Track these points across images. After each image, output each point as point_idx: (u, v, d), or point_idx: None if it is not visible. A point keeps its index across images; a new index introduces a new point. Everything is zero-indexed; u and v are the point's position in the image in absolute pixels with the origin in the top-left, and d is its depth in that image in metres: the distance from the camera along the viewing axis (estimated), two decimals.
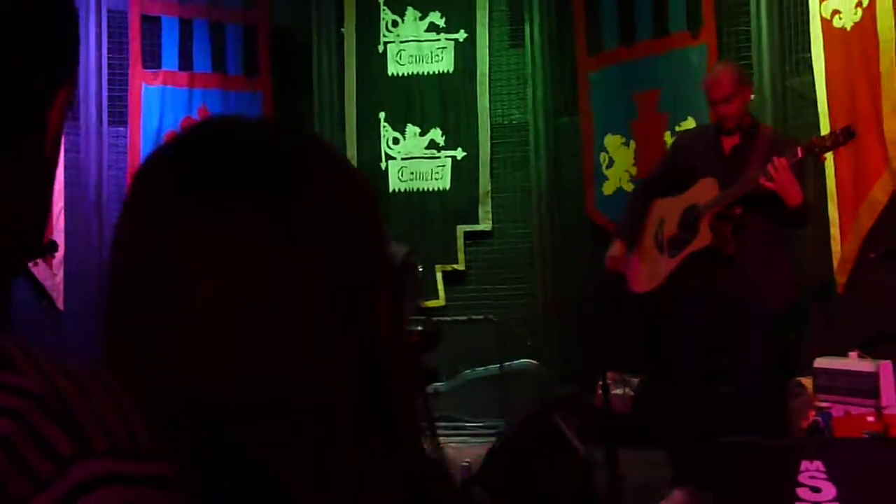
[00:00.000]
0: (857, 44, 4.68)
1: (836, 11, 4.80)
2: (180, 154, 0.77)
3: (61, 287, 5.92)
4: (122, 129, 6.24)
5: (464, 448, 5.19)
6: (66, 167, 5.93)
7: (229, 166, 0.74)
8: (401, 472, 0.74)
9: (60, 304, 5.91)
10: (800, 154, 4.04)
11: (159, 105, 6.26)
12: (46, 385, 0.54)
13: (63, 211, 5.90)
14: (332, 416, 0.70)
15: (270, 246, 0.71)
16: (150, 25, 6.30)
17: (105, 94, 6.19)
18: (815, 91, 4.98)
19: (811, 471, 3.30)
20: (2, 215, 0.62)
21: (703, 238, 4.30)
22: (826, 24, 4.87)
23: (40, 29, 0.62)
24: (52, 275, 5.87)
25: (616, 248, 4.62)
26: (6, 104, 0.61)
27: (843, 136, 4.00)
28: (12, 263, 0.65)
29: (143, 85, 6.24)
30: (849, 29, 4.74)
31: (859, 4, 4.65)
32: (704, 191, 4.34)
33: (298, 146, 0.78)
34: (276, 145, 0.77)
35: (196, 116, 6.34)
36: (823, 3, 4.88)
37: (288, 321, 0.71)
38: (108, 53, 6.21)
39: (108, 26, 6.21)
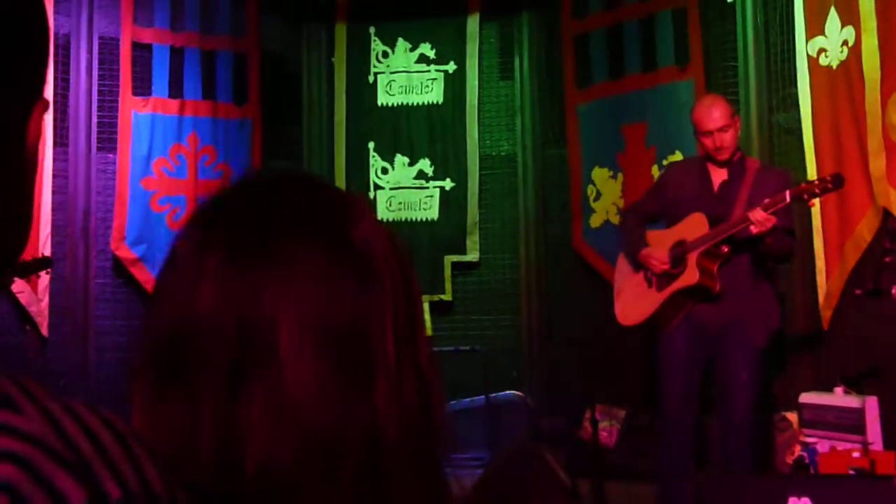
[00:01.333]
0: (842, 82, 4.74)
1: (822, 50, 4.87)
2: (230, 210, 0.77)
3: (46, 313, 5.87)
4: (111, 155, 6.23)
5: (449, 480, 5.16)
6: (53, 192, 5.90)
7: (284, 215, 0.75)
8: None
9: (45, 331, 5.87)
10: (788, 199, 4.07)
11: (149, 132, 6.25)
12: (49, 426, 0.52)
13: (50, 236, 5.87)
14: (389, 467, 0.72)
15: (339, 286, 0.72)
16: (142, 53, 6.30)
17: (94, 119, 6.18)
18: (801, 127, 5.03)
19: None
20: None
21: (690, 276, 4.32)
22: (812, 61, 4.93)
23: (19, 42, 0.62)
24: (37, 300, 5.82)
25: (653, 252, 4.53)
26: None
27: (833, 183, 4.02)
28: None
29: (133, 112, 6.23)
30: (835, 67, 4.81)
31: (845, 44, 4.71)
32: (693, 226, 4.36)
33: (342, 194, 0.81)
34: (323, 192, 0.79)
35: (185, 143, 6.34)
36: (810, 42, 4.94)
37: (364, 360, 0.72)
38: (99, 80, 6.21)
39: (100, 52, 6.21)
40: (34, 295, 5.79)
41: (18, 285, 5.46)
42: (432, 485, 0.75)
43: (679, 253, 4.39)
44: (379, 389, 0.71)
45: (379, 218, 0.83)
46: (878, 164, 4.48)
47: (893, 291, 4.02)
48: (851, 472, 3.93)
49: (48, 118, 5.85)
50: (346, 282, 0.73)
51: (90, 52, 6.16)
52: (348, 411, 0.70)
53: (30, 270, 5.25)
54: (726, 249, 4.26)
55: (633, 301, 4.63)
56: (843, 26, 4.73)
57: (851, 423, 4.24)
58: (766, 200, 4.07)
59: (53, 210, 5.90)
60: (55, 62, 5.90)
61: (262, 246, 0.73)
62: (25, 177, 0.65)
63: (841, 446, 4.21)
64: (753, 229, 4.06)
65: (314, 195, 0.79)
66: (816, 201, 4.44)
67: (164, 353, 0.71)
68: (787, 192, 4.09)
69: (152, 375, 0.71)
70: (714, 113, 4.32)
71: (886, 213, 4.47)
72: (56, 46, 5.93)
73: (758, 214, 4.02)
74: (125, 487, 0.51)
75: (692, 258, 4.32)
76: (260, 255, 0.72)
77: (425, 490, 0.74)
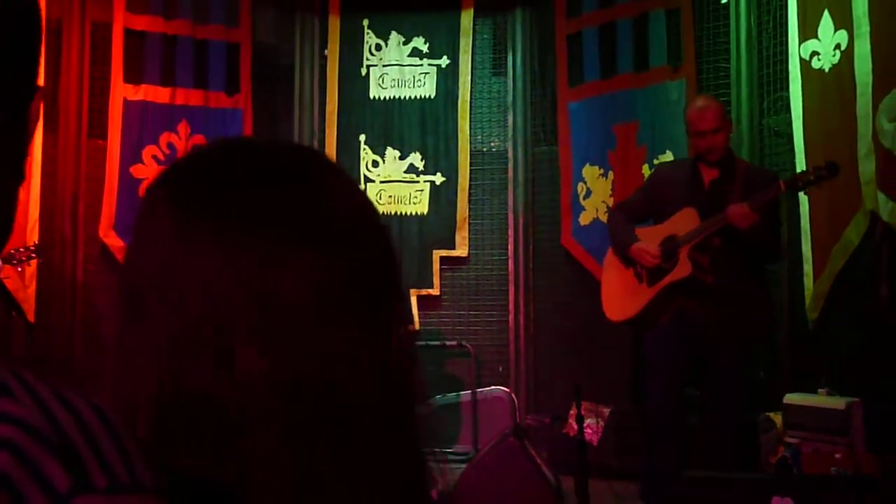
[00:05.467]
0: (834, 86, 4.76)
1: (814, 53, 4.88)
2: (197, 174, 0.76)
3: (33, 299, 5.86)
4: (101, 141, 6.21)
5: (434, 473, 5.17)
6: (43, 177, 5.88)
7: (259, 184, 0.74)
8: (405, 478, 0.75)
9: (31, 317, 5.85)
10: (783, 188, 4.11)
11: (140, 118, 6.24)
12: (42, 415, 0.52)
13: (38, 222, 5.85)
14: (352, 425, 0.71)
15: (305, 256, 0.71)
16: (134, 40, 6.28)
17: (85, 106, 6.16)
18: (791, 130, 5.05)
19: None
20: None
21: (683, 269, 4.35)
22: (805, 64, 4.95)
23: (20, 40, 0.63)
24: (24, 286, 5.80)
25: (645, 246, 4.54)
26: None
27: (828, 170, 4.07)
28: None
29: (124, 98, 6.21)
30: (827, 71, 4.82)
31: (838, 47, 4.73)
32: (684, 221, 4.39)
33: (321, 161, 0.80)
34: (306, 160, 0.79)
35: (176, 132, 6.33)
36: (803, 45, 4.95)
37: (323, 328, 0.71)
38: (91, 66, 6.19)
39: (91, 38, 6.19)
40: (21, 281, 5.77)
41: (5, 271, 5.44)
42: (404, 458, 0.75)
43: (670, 247, 4.41)
44: (335, 353, 0.71)
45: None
46: (867, 167, 4.50)
47: (881, 291, 4.05)
48: (834, 472, 3.96)
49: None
50: (310, 242, 0.72)
51: (82, 37, 6.14)
52: (296, 368, 0.69)
53: (19, 260, 5.23)
54: (717, 242, 4.29)
55: (624, 296, 4.64)
56: (836, 30, 4.74)
57: (835, 424, 4.27)
58: (761, 192, 4.10)
59: (42, 196, 5.88)
60: (46, 47, 5.87)
61: (216, 200, 0.73)
62: (24, 160, 0.66)
63: (824, 448, 4.23)
64: (732, 221, 4.10)
65: (286, 155, 0.78)
66: (802, 196, 4.48)
67: (127, 301, 0.73)
68: (782, 182, 4.13)
69: (119, 321, 0.74)
70: (708, 114, 4.36)
71: (874, 216, 4.50)
72: (48, 32, 5.89)
73: (737, 209, 4.08)
74: (112, 476, 0.52)
75: (684, 252, 4.35)
76: (217, 205, 0.72)
77: (394, 460, 0.73)
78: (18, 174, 0.65)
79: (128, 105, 6.22)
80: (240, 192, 0.73)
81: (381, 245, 0.78)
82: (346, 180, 0.79)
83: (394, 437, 0.74)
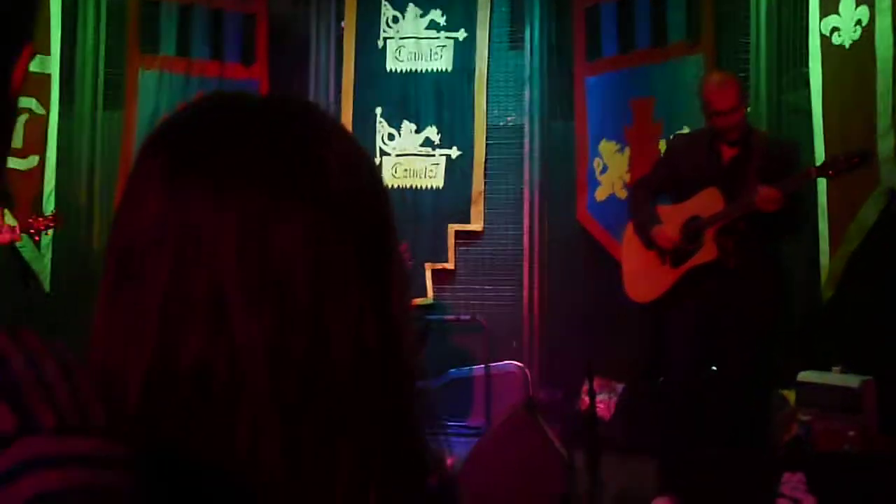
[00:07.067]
0: (854, 62, 4.71)
1: (835, 29, 4.83)
2: (189, 131, 0.74)
3: (49, 269, 5.90)
4: (116, 113, 6.22)
5: (437, 450, 5.18)
6: (57, 149, 5.90)
7: (251, 131, 0.72)
8: (398, 457, 0.72)
9: (47, 286, 5.89)
10: (812, 175, 4.06)
11: (155, 90, 6.24)
12: None
13: (54, 192, 5.88)
14: (342, 396, 0.69)
15: (292, 206, 0.69)
16: (150, 10, 6.27)
17: (101, 76, 6.17)
18: (810, 106, 5.00)
19: (793, 482, 3.33)
20: None
21: (709, 252, 4.31)
22: (825, 40, 4.90)
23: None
24: (40, 256, 5.84)
25: (666, 231, 4.50)
26: None
27: (862, 160, 4.00)
28: None
29: (140, 69, 6.21)
30: (847, 47, 4.77)
31: (859, 23, 4.68)
32: (708, 201, 4.34)
33: (322, 116, 0.77)
34: (299, 114, 0.76)
35: None
36: (823, 20, 4.90)
37: (315, 288, 0.69)
38: (107, 37, 6.18)
39: (108, 9, 6.19)
40: (37, 251, 5.81)
41: (20, 241, 5.47)
42: (399, 439, 0.72)
43: (694, 229, 4.37)
44: (329, 317, 0.68)
45: (364, 150, 0.78)
46: (886, 144, 4.47)
47: None
48: (847, 449, 3.95)
49: (54, 74, 5.83)
50: (303, 198, 0.70)
51: (98, 7, 6.13)
52: (287, 333, 0.67)
53: (37, 230, 5.25)
54: (743, 226, 4.25)
55: (647, 277, 4.60)
56: (857, 5, 4.69)
57: (849, 403, 4.26)
58: (790, 179, 4.05)
59: (58, 166, 5.90)
60: (62, 18, 5.87)
61: (210, 151, 0.71)
62: (7, 120, 0.65)
63: (837, 426, 4.22)
64: (760, 206, 4.05)
65: (279, 109, 0.76)
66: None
67: (117, 262, 0.71)
68: (812, 169, 4.08)
69: (109, 281, 0.71)
70: (726, 92, 4.26)
71: (892, 193, 4.46)
72: (63, 3, 5.89)
73: (767, 193, 4.01)
74: (60, 417, 0.51)
75: (709, 235, 4.31)
76: (207, 160, 0.70)
77: (388, 441, 0.71)
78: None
79: (144, 76, 6.22)
80: (233, 148, 0.71)
81: (378, 206, 0.75)
82: (342, 135, 0.77)
83: (386, 411, 0.71)
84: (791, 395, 4.66)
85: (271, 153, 0.71)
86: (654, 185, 4.68)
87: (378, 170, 0.79)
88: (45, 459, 0.49)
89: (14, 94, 0.64)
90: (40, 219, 5.32)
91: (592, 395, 3.71)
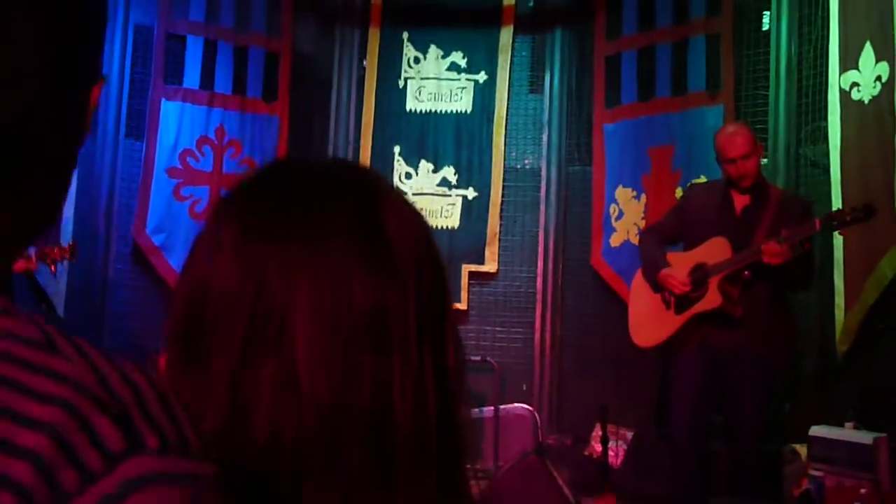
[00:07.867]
0: (873, 118, 4.73)
1: (854, 84, 4.85)
2: (251, 187, 0.77)
3: (63, 294, 5.92)
4: (138, 142, 6.27)
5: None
6: (79, 176, 5.94)
7: (307, 193, 0.75)
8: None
9: (61, 311, 5.90)
10: (818, 227, 4.06)
11: (177, 121, 6.30)
12: (93, 375, 0.52)
13: (73, 218, 5.91)
14: (399, 454, 0.71)
15: (361, 270, 0.72)
16: (175, 43, 6.35)
17: (125, 106, 6.23)
18: (828, 160, 5.01)
19: None
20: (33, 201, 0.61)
21: (713, 300, 4.31)
22: (844, 95, 4.92)
23: (92, 31, 0.65)
24: (55, 281, 5.86)
25: (675, 273, 4.50)
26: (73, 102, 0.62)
27: (866, 213, 4.01)
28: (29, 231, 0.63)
29: (163, 100, 6.28)
30: (866, 102, 4.79)
31: (878, 79, 4.70)
32: (715, 250, 4.35)
33: (381, 182, 0.80)
34: (361, 182, 0.79)
35: (212, 136, 6.38)
36: (843, 75, 4.93)
37: (381, 346, 0.71)
38: (132, 67, 6.26)
39: (134, 41, 6.27)
40: (52, 276, 5.83)
41: (35, 264, 5.49)
42: (447, 485, 0.74)
43: (700, 276, 4.38)
44: (394, 378, 0.71)
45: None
46: None
47: None
48: None
49: None
50: (369, 266, 0.72)
51: (125, 39, 6.22)
52: (355, 393, 0.69)
53: (53, 259, 5.28)
54: (748, 274, 4.25)
55: (651, 322, 4.61)
56: (877, 61, 4.72)
57: (861, 459, 4.22)
58: (795, 229, 4.06)
59: (78, 193, 5.95)
60: None
61: (281, 222, 0.73)
62: (76, 155, 0.67)
63: (849, 482, 4.18)
64: (766, 259, 4.06)
65: (342, 176, 0.79)
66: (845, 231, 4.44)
67: (185, 327, 0.73)
68: (817, 221, 4.08)
69: (177, 348, 0.73)
70: (737, 140, 4.31)
71: None
72: None
73: (772, 247, 4.02)
74: (163, 437, 0.52)
75: (714, 282, 4.31)
76: (278, 230, 0.73)
77: (439, 488, 0.73)
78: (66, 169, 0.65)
79: (166, 106, 6.28)
80: (302, 218, 0.74)
81: (435, 268, 0.79)
82: (399, 200, 0.80)
83: (440, 472, 0.74)
84: (803, 450, 4.62)
85: (337, 224, 0.74)
86: (665, 231, 4.70)
87: (432, 232, 0.83)
88: (151, 478, 0.50)
89: (86, 130, 0.66)
90: (56, 248, 5.35)
91: (605, 441, 3.69)
